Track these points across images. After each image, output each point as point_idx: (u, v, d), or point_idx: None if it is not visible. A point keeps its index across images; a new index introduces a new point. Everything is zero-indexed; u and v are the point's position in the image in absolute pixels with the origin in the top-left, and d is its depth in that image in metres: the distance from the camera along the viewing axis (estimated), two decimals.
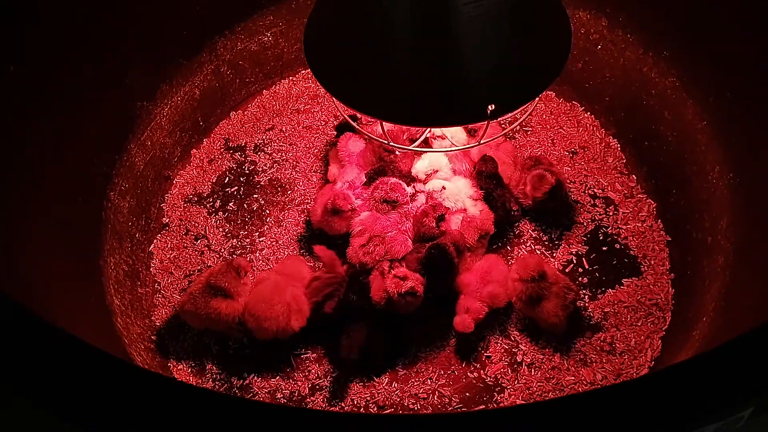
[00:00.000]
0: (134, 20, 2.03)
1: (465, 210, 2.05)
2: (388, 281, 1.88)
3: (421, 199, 2.07)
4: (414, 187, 2.09)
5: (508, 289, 1.94)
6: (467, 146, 1.92)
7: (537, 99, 1.67)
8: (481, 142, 1.64)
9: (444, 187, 2.06)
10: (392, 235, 1.99)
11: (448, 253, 1.89)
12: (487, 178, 2.09)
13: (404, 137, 2.11)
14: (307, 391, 1.93)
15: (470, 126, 2.02)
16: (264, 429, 0.95)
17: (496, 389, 1.93)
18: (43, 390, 0.90)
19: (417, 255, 1.97)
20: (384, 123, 1.62)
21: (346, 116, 1.79)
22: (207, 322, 1.92)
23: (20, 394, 0.89)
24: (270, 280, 1.92)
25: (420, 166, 2.09)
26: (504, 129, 2.04)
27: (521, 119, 1.71)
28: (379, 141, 1.73)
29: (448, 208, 2.04)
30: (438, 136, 2.00)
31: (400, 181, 2.05)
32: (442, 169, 2.08)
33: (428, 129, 1.82)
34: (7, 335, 0.93)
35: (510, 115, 1.59)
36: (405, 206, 2.04)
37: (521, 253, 2.16)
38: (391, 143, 1.68)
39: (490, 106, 1.46)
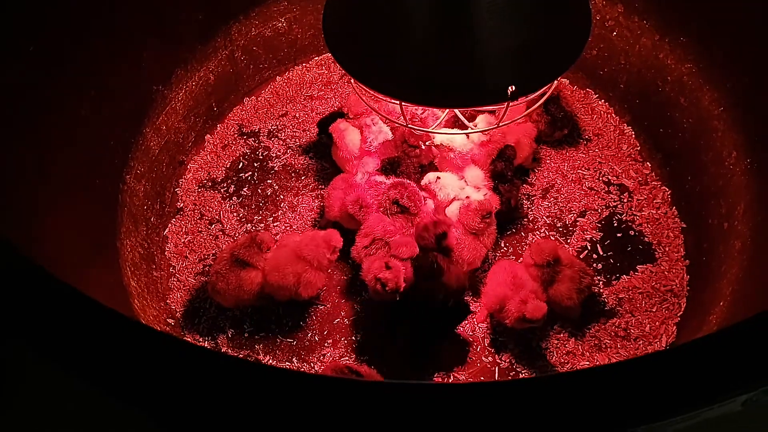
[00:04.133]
0: (150, 2, 2.03)
1: (467, 197, 2.02)
2: (375, 264, 1.86)
3: (430, 204, 2.02)
4: (429, 182, 2.05)
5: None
6: (486, 128, 1.92)
7: (556, 81, 1.67)
8: (500, 124, 1.64)
9: (438, 177, 2.04)
10: (397, 240, 1.91)
11: (434, 263, 1.85)
12: (503, 167, 2.08)
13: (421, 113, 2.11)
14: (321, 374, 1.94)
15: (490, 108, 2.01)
16: (290, 396, 0.96)
17: (511, 373, 1.93)
18: (75, 357, 0.91)
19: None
20: (403, 104, 1.61)
21: (366, 101, 1.79)
22: (239, 295, 1.92)
23: (55, 361, 0.90)
24: (288, 248, 1.93)
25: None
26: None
27: (540, 102, 1.70)
28: (396, 123, 1.73)
29: (446, 203, 2.02)
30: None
31: (420, 191, 2.00)
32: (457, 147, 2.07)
33: (446, 110, 1.81)
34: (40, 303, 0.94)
35: (530, 97, 1.59)
36: (415, 216, 1.98)
37: (535, 239, 2.16)
38: (409, 125, 1.67)
39: (510, 88, 1.46)
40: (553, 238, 2.17)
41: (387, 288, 1.79)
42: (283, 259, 1.90)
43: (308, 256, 1.89)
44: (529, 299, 1.82)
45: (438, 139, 2.07)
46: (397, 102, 1.54)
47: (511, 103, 1.49)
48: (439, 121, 1.79)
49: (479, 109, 2.08)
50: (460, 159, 2.10)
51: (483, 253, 1.99)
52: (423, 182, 2.06)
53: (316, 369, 1.95)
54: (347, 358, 1.97)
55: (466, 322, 2.00)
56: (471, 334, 2.00)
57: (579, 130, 2.41)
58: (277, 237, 2.18)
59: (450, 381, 1.92)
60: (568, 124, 2.34)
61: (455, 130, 2.02)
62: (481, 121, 2.09)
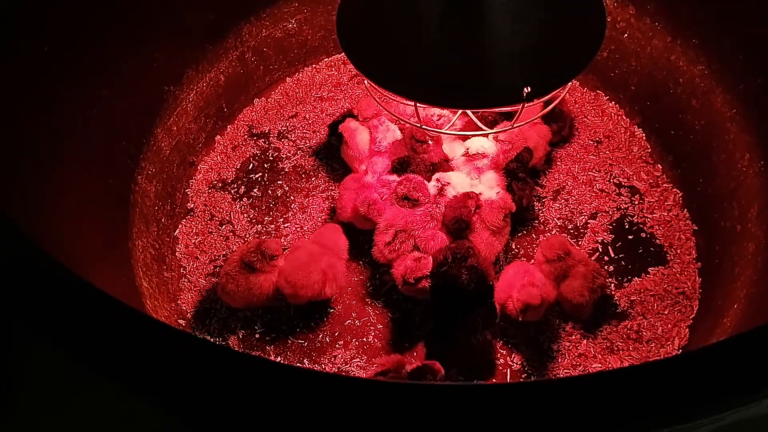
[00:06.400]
0: (161, 3, 2.03)
1: (480, 194, 2.04)
2: (408, 260, 1.88)
3: (450, 192, 2.03)
4: (439, 181, 2.04)
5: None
6: (500, 130, 1.91)
7: (569, 83, 1.66)
8: (515, 125, 1.63)
9: (447, 183, 2.05)
10: (423, 236, 1.94)
11: (457, 275, 1.85)
12: (516, 167, 2.08)
13: (436, 119, 2.11)
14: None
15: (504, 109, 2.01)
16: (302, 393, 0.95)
17: (522, 375, 1.93)
18: (88, 349, 0.91)
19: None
20: (418, 105, 1.61)
21: (382, 105, 1.78)
22: (248, 298, 1.93)
23: (67, 352, 0.90)
24: (305, 249, 1.94)
25: (470, 146, 2.09)
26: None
27: (554, 102, 1.70)
28: (411, 124, 1.73)
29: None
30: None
31: (424, 181, 2.02)
32: (489, 153, 2.08)
33: (459, 111, 1.81)
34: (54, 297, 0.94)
35: (545, 98, 1.59)
36: (427, 206, 1.99)
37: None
38: (424, 126, 1.67)
39: (525, 89, 1.45)
40: None
41: (407, 278, 1.82)
42: (303, 259, 1.90)
43: (327, 244, 1.93)
44: (531, 285, 1.82)
45: (473, 148, 2.07)
46: (411, 103, 1.54)
47: (525, 105, 1.48)
48: (451, 122, 1.78)
49: (493, 110, 2.08)
50: (482, 164, 2.11)
51: (498, 250, 1.99)
52: (431, 184, 2.05)
53: (327, 370, 1.94)
54: (358, 359, 1.96)
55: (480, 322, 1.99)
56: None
57: (575, 127, 2.40)
58: (288, 238, 2.18)
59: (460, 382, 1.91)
60: (564, 120, 2.31)
61: (468, 132, 2.01)
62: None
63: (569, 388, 0.83)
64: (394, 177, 2.06)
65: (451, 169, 2.17)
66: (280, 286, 1.91)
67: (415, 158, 2.13)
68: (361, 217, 2.02)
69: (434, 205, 1.97)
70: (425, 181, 2.02)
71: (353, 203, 2.04)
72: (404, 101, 1.58)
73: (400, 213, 1.96)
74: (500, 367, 1.93)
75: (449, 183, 2.01)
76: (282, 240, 2.19)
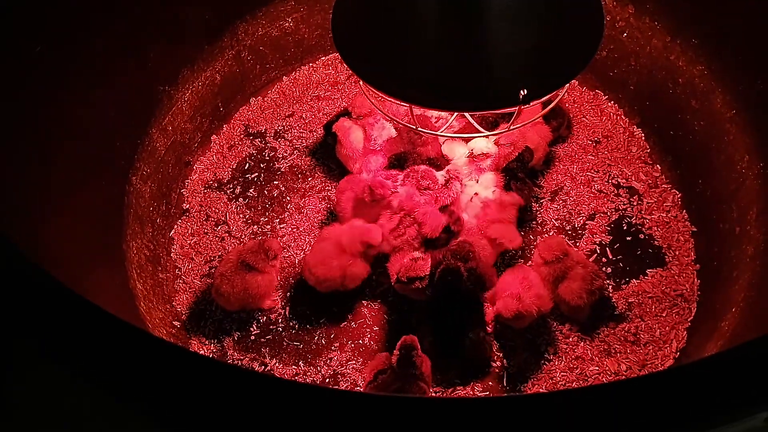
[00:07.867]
0: (157, 2, 2.01)
1: (476, 194, 2.05)
2: (406, 258, 1.88)
3: (456, 186, 2.05)
4: (448, 172, 2.06)
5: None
6: (498, 132, 1.89)
7: (567, 84, 1.65)
8: (512, 127, 1.62)
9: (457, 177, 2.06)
10: (422, 212, 1.97)
11: (459, 274, 1.85)
12: (515, 167, 2.07)
13: (434, 122, 2.10)
14: (328, 378, 1.92)
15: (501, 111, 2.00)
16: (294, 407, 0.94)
17: (519, 378, 1.91)
18: (80, 362, 0.90)
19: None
20: (413, 107, 1.59)
21: (377, 107, 1.77)
22: (243, 299, 1.93)
23: (63, 367, 0.89)
24: (332, 240, 1.93)
25: (474, 147, 2.09)
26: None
27: (552, 104, 1.68)
28: (407, 126, 1.71)
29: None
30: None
31: (430, 168, 2.03)
32: (492, 153, 2.07)
33: (455, 113, 1.80)
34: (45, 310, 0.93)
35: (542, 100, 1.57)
36: (436, 191, 2.02)
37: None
38: (419, 128, 1.65)
39: (522, 91, 1.43)
40: None
41: (399, 276, 1.82)
42: (327, 252, 1.91)
43: (345, 243, 1.92)
44: (515, 298, 1.81)
45: (477, 149, 2.06)
46: (407, 105, 1.52)
47: (522, 107, 1.46)
48: (448, 123, 1.77)
49: (491, 112, 2.06)
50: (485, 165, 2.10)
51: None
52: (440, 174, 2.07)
53: (323, 372, 1.93)
54: (354, 362, 1.95)
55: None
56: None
57: (572, 126, 2.39)
58: (284, 239, 2.17)
59: (458, 386, 1.90)
60: (562, 118, 2.30)
61: (465, 134, 2.00)
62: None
63: (562, 402, 0.82)
64: (395, 172, 2.07)
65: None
66: (305, 275, 1.95)
67: (413, 153, 2.13)
68: (363, 209, 2.01)
69: (441, 189, 2.01)
70: (431, 169, 2.05)
71: (353, 203, 2.04)
72: (399, 103, 1.56)
73: (413, 196, 1.98)
74: (497, 370, 1.92)
75: (458, 177, 2.04)
76: (277, 240, 2.17)
